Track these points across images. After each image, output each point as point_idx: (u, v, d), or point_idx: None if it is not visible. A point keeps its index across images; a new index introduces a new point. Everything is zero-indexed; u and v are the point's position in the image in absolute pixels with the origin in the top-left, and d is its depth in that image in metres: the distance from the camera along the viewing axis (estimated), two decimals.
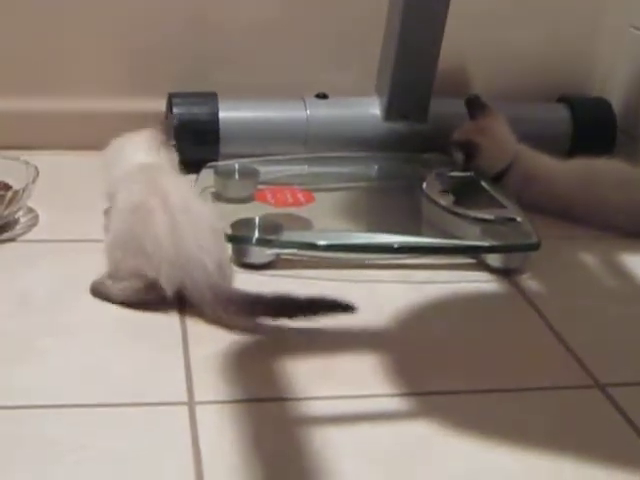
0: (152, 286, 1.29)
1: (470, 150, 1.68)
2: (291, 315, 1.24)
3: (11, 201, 1.48)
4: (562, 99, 1.96)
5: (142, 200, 1.33)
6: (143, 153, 1.48)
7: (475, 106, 1.74)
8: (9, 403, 1.10)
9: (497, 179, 1.68)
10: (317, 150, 1.78)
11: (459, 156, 1.70)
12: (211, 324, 1.28)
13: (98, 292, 1.33)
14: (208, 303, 1.26)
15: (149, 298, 1.30)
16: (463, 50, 1.91)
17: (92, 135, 1.79)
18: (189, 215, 1.31)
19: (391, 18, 1.77)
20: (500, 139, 1.71)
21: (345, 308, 1.24)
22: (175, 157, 1.52)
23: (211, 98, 1.78)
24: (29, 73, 1.84)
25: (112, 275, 1.33)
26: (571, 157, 1.89)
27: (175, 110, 1.76)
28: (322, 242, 1.44)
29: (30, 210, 1.56)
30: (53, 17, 1.82)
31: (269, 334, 1.26)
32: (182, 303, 1.31)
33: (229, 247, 1.41)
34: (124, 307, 1.31)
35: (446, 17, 1.73)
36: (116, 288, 1.32)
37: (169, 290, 1.28)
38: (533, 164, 1.69)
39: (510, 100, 1.91)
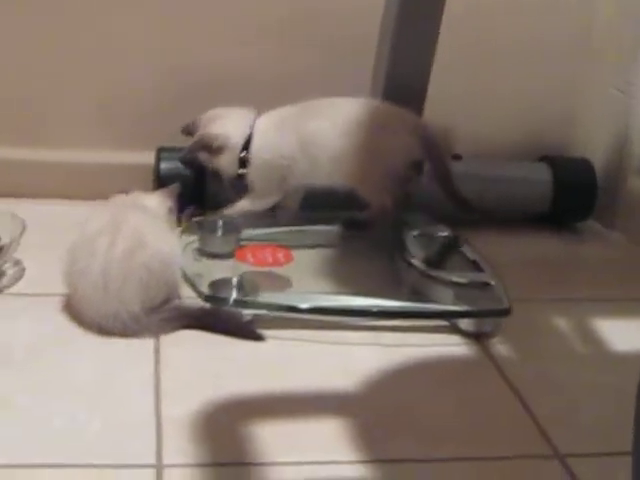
0: None
1: (207, 142, 1.71)
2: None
3: None
4: (544, 159, 1.99)
5: (93, 235, 1.42)
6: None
7: (188, 128, 1.75)
8: None
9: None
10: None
11: (206, 158, 1.73)
12: (185, 383, 1.32)
13: None
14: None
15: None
16: (446, 107, 1.93)
17: (81, 186, 1.85)
18: (128, 261, 1.41)
19: (377, 73, 1.79)
20: (224, 113, 1.74)
21: (256, 338, 1.43)
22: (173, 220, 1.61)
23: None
24: (21, 124, 1.89)
25: None
26: (551, 218, 1.93)
27: (162, 165, 1.80)
28: (303, 305, 1.47)
29: (16, 262, 1.60)
30: (45, 69, 1.87)
31: (239, 396, 1.30)
32: (157, 361, 1.35)
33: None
34: (101, 365, 1.35)
35: (429, 77, 1.76)
36: None
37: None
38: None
39: (492, 159, 1.95)
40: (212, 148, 1.72)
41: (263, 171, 1.71)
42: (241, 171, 1.72)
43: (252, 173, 1.71)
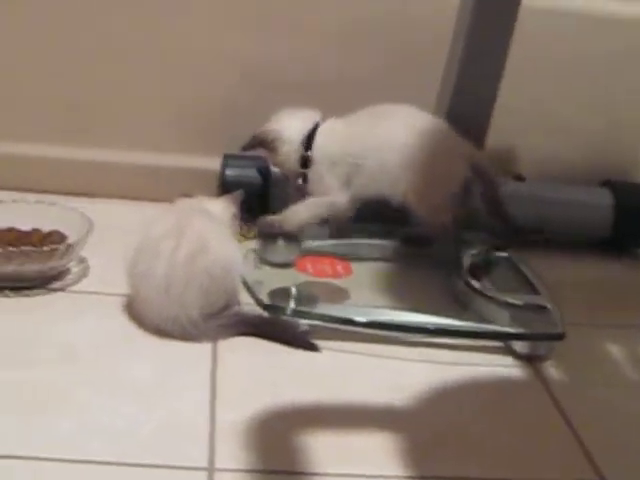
0: None
1: (262, 137, 1.72)
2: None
3: (64, 253, 1.56)
4: (606, 183, 1.99)
5: (157, 238, 1.44)
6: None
7: (251, 144, 1.75)
8: (36, 454, 1.16)
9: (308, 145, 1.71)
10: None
11: (267, 156, 1.76)
12: (241, 389, 1.35)
13: None
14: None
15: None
16: (511, 128, 1.94)
17: (147, 187, 1.88)
18: (191, 266, 1.43)
19: (443, 89, 1.81)
20: (284, 113, 1.75)
21: (311, 349, 1.45)
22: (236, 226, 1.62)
23: (263, 161, 1.85)
24: (92, 125, 1.93)
25: None
26: (612, 243, 1.93)
27: (227, 171, 1.83)
28: (360, 318, 1.49)
29: (82, 260, 1.64)
30: (118, 72, 1.91)
31: (293, 405, 1.32)
32: (214, 366, 1.38)
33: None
34: (160, 366, 1.38)
35: (496, 96, 1.77)
36: None
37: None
38: None
39: (554, 182, 1.95)
40: (269, 144, 1.73)
41: (327, 168, 1.71)
42: (303, 170, 1.73)
43: (314, 172, 1.72)
